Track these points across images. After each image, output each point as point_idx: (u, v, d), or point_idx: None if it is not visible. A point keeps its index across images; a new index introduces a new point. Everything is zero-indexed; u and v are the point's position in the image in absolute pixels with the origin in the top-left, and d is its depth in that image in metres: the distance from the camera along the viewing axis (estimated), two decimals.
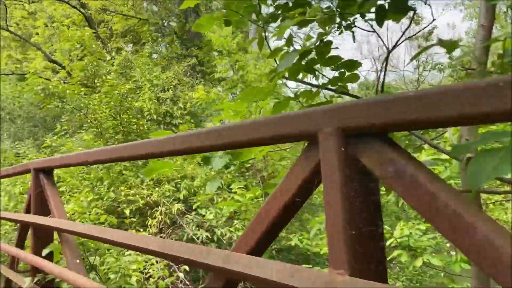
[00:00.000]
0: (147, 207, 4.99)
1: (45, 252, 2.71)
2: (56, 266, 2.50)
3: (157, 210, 4.73)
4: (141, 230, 4.52)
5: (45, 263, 2.56)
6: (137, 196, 4.88)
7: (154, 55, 11.48)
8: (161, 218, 4.58)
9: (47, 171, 2.87)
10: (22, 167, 3.21)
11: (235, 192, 5.49)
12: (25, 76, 18.48)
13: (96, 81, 6.18)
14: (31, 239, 2.81)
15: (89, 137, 6.25)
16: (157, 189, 5.02)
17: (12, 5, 14.52)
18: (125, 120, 6.03)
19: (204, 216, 4.94)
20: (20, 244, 3.25)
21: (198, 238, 4.59)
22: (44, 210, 2.77)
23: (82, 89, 6.14)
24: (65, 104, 6.60)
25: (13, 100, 15.14)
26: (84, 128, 9.09)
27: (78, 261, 2.43)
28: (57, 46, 13.61)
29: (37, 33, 17.07)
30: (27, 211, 3.01)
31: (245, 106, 2.49)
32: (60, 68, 13.04)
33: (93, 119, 6.04)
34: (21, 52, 19.37)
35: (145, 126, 6.39)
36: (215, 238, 4.71)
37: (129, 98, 6.32)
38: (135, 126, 6.23)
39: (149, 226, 4.68)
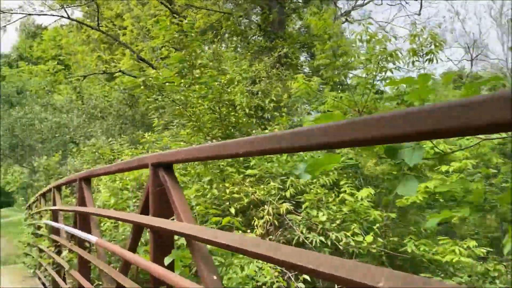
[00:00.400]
0: (251, 206, 4.63)
1: (167, 261, 2.37)
2: (192, 283, 2.06)
3: (263, 209, 4.34)
4: (248, 231, 4.16)
5: (174, 277, 2.15)
6: (241, 193, 4.54)
7: (238, 49, 11.31)
8: (269, 218, 4.17)
9: (167, 167, 2.52)
10: (138, 162, 2.87)
11: (345, 191, 4.95)
12: (114, 76, 19.28)
13: (194, 71, 5.94)
14: (150, 245, 2.49)
15: (186, 131, 6.06)
16: (262, 186, 4.64)
17: (103, 5, 15.07)
18: (224, 113, 5.73)
19: (311, 217, 4.48)
20: (133, 246, 2.99)
21: (311, 243, 4.13)
22: (164, 211, 2.47)
23: (182, 80, 5.94)
24: (164, 97, 6.49)
25: (103, 99, 15.81)
26: (173, 124, 9.08)
27: (215, 277, 2.01)
28: (143, 45, 13.94)
29: (124, 34, 17.70)
30: (144, 211, 2.73)
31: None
32: (147, 66, 13.35)
33: (192, 112, 5.82)
34: (108, 53, 20.23)
35: (244, 120, 6.04)
36: (329, 243, 4.22)
37: (229, 90, 6.02)
38: (234, 119, 5.91)
39: (255, 227, 4.33)
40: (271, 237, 4.17)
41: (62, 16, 13.24)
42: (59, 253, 6.37)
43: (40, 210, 7.70)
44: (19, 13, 13.36)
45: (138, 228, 2.93)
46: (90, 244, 4.40)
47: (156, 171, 2.55)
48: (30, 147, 14.70)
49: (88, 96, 14.61)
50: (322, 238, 4.16)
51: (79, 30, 19.86)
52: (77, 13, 21.36)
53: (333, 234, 4.22)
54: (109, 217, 3.91)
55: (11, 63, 26.61)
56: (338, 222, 4.34)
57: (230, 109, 5.91)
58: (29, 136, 14.51)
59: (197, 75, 5.80)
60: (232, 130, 5.79)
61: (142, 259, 2.51)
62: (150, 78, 6.30)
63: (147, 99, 7.10)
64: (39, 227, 8.46)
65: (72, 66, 20.22)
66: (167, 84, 6.14)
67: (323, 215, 4.26)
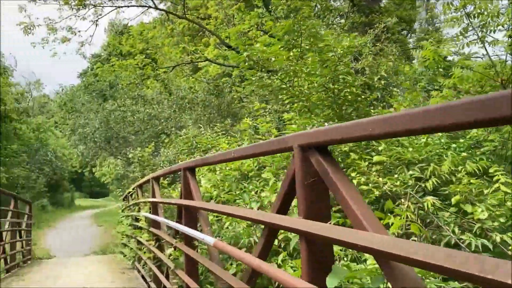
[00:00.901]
0: (381, 200, 3.83)
1: (331, 284, 1.66)
2: None
3: (402, 204, 3.50)
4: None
5: None
6: (369, 185, 3.76)
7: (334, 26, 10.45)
8: (409, 215, 3.32)
9: (323, 149, 1.84)
10: (278, 144, 2.14)
11: (497, 180, 3.93)
12: (198, 67, 19.20)
13: (302, 42, 5.19)
14: (302, 257, 1.81)
15: (290, 115, 5.35)
16: (396, 176, 3.80)
17: None
18: (337, 90, 4.92)
19: (462, 213, 3.58)
20: (264, 253, 2.34)
21: (468, 246, 3.24)
22: (321, 211, 1.82)
23: (291, 52, 5.24)
24: (270, 76, 5.89)
25: (190, 90, 15.77)
26: (265, 111, 8.52)
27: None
28: (229, 31, 13.54)
29: (207, 23, 17.50)
30: (282, 209, 2.08)
31: None
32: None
33: (299, 91, 5.11)
34: (192, 45, 20.21)
35: (362, 97, 5.17)
36: (491, 247, 3.29)
37: (346, 60, 5.20)
38: (350, 97, 5.07)
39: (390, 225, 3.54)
40: (414, 238, 3.33)
41: (149, 7, 13.30)
42: (160, 248, 6.06)
43: (139, 201, 7.51)
44: (109, 6, 13.65)
45: (271, 232, 2.28)
46: (198, 242, 3.89)
47: (306, 155, 1.88)
48: (124, 139, 15.09)
49: (176, 88, 14.62)
50: (485, 241, 3.24)
51: (163, 25, 20.11)
52: (161, 7, 21.52)
53: (496, 235, 3.29)
54: (230, 215, 3.31)
55: (102, 62, 27.97)
56: (501, 220, 3.39)
57: (345, 85, 5.07)
58: (123, 128, 14.91)
59: (307, 47, 5.06)
60: (348, 110, 4.97)
61: (292, 278, 1.80)
62: (255, 52, 5.67)
63: (251, 77, 6.49)
64: (137, 219, 8.35)
65: (158, 59, 20.57)
66: (273, 59, 5.49)
67: (482, 211, 3.34)
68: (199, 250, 4.04)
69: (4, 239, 8.78)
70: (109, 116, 14.94)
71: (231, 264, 3.70)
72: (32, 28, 13.70)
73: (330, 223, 1.78)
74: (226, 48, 13.19)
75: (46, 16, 14.26)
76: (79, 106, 17.16)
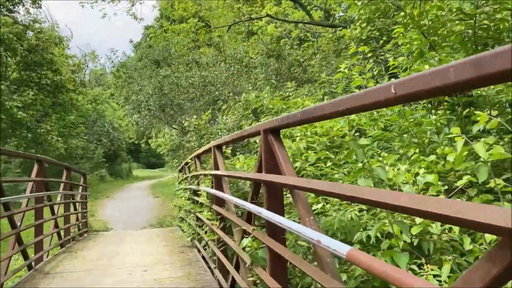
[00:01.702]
0: None
1: None
2: None
3: None
4: None
5: None
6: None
7: None
8: None
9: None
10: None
11: None
12: (253, 33, 17.82)
13: None
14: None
15: (402, 60, 3.98)
16: None
17: None
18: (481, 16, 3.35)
19: None
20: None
21: None
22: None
23: None
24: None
25: (247, 54, 14.59)
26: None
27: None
28: None
29: None
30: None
31: None
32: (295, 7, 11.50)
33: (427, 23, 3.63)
34: (246, 6, 18.83)
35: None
36: None
37: None
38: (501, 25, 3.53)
39: None
40: None
41: None
42: (225, 229, 5.03)
43: (198, 174, 6.52)
44: None
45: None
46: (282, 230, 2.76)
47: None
48: (179, 106, 14.23)
49: (232, 51, 13.46)
50: None
51: None
52: None
53: None
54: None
55: (155, 33, 27.41)
56: None
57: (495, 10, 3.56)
58: (177, 95, 14.01)
59: None
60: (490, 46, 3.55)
61: None
62: None
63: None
64: (195, 192, 7.43)
65: (212, 23, 19.43)
66: None
67: None
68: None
69: (56, 212, 8.20)
70: (163, 81, 14.06)
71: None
72: None
73: None
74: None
75: None
76: (132, 71, 16.45)
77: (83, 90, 27.12)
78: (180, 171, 11.14)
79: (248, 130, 3.45)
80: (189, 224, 8.06)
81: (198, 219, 7.21)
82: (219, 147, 5.06)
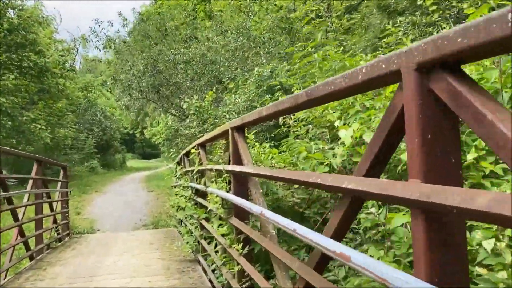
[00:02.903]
0: None
1: None
2: None
3: None
4: None
5: None
6: None
7: None
8: None
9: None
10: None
11: None
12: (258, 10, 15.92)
13: None
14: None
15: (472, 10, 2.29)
16: None
17: None
18: None
19: None
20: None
21: None
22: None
23: None
24: None
25: (255, 25, 12.74)
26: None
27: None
28: None
29: None
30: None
31: None
32: None
33: None
34: None
35: None
36: None
37: None
38: None
39: None
40: None
41: None
42: (251, 257, 3.28)
43: (204, 168, 4.77)
44: None
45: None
46: None
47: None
48: (176, 86, 12.27)
49: (237, 24, 11.58)
50: None
51: None
52: None
53: None
54: None
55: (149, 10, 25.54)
56: None
57: None
58: (174, 73, 12.07)
59: None
60: None
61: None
62: None
63: None
64: (198, 192, 5.71)
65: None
66: None
67: None
68: None
69: (21, 218, 6.43)
70: (157, 58, 12.10)
71: None
72: None
73: None
74: None
75: None
76: (121, 47, 14.33)
77: (71, 75, 25.20)
78: (178, 163, 9.38)
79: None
80: (190, 232, 6.33)
81: (202, 227, 5.48)
82: (240, 129, 3.31)
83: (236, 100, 7.11)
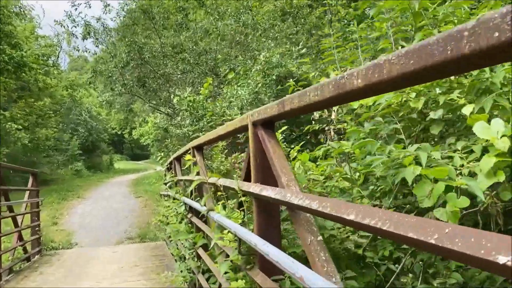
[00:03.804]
0: None
1: None
2: None
3: None
4: None
5: None
6: None
7: None
8: None
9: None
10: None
11: None
12: None
13: None
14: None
15: None
16: None
17: None
18: None
19: None
20: None
21: None
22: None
23: None
24: None
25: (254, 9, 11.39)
26: None
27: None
28: None
29: None
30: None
31: None
32: None
33: None
34: None
35: None
36: None
37: None
38: None
39: None
40: None
41: None
42: None
43: (204, 181, 3.42)
44: None
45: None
46: None
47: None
48: (165, 77, 10.74)
49: (237, 5, 10.17)
50: None
51: None
52: None
53: None
54: None
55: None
56: None
57: None
58: (163, 63, 10.56)
59: None
60: None
61: None
62: None
63: None
64: (192, 209, 4.40)
65: None
66: None
67: None
68: None
69: None
70: (142, 45, 10.53)
71: None
72: None
73: None
74: None
75: None
76: (101, 33, 12.71)
77: (54, 72, 23.65)
78: (168, 169, 8.03)
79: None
80: (183, 258, 4.98)
81: (199, 257, 4.15)
82: (268, 124, 2.00)
83: (239, 92, 5.79)
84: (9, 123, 16.69)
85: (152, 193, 16.39)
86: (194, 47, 10.14)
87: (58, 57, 30.32)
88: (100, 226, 11.32)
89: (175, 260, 6.28)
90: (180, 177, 5.30)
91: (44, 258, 7.80)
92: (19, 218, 7.35)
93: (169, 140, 7.94)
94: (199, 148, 4.27)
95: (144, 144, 33.60)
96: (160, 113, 12.08)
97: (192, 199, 4.58)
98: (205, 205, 3.22)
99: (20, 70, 17.88)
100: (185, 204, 4.63)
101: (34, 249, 7.99)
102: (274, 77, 5.64)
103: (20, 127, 17.26)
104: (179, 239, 4.30)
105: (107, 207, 13.74)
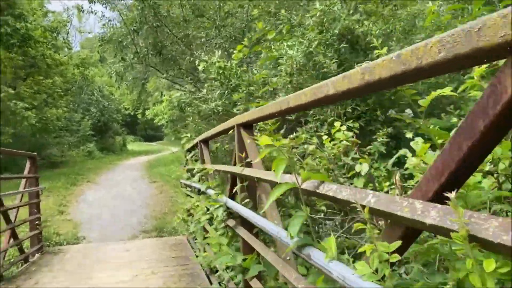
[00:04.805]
0: None
1: None
2: None
3: None
4: None
5: None
6: None
7: None
8: None
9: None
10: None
11: None
12: None
13: None
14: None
15: None
16: None
17: None
18: None
19: None
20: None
21: None
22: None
23: None
24: None
25: None
26: None
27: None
28: None
29: None
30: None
31: None
32: None
33: None
34: None
35: None
36: None
37: None
38: None
39: None
40: None
41: None
42: None
43: (233, 172, 1.99)
44: None
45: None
46: None
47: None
48: (184, 42, 9.09)
49: None
50: None
51: None
52: None
53: None
54: None
55: None
56: None
57: None
58: (183, 26, 8.95)
59: None
60: None
61: None
62: None
63: None
64: (230, 214, 3.05)
65: None
66: None
67: None
68: None
69: None
70: (156, 5, 8.91)
71: None
72: None
73: None
74: None
75: None
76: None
77: (64, 48, 22.36)
78: (188, 151, 6.65)
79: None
80: (215, 270, 3.63)
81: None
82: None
83: (289, 52, 4.31)
84: (14, 101, 15.48)
85: (168, 177, 15.12)
86: (218, 11, 8.48)
87: (68, 33, 28.99)
88: (111, 217, 10.08)
89: (204, 270, 4.96)
90: (214, 166, 3.90)
91: (45, 258, 6.58)
92: (13, 213, 6.10)
93: (191, 118, 6.53)
94: (248, 126, 2.87)
95: (158, 124, 32.30)
96: (179, 88, 10.57)
97: (232, 199, 3.23)
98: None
99: (25, 44, 16.58)
100: (225, 205, 3.24)
101: (34, 247, 6.76)
102: (336, 31, 4.18)
103: (27, 105, 16.05)
104: (220, 262, 2.91)
105: (119, 194, 12.50)
